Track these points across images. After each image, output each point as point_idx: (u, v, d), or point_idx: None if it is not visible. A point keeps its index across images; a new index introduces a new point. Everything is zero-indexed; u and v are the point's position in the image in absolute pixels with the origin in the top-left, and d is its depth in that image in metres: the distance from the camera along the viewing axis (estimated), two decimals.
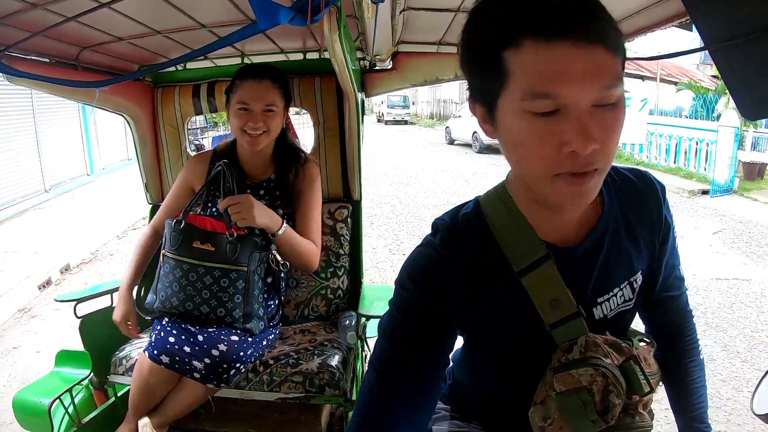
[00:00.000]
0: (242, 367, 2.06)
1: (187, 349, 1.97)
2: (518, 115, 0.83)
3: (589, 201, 0.90)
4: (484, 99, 0.90)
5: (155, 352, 1.98)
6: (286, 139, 2.39)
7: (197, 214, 2.16)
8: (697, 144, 13.19)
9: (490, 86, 0.86)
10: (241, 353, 2.04)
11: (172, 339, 1.99)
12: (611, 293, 1.09)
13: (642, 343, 1.14)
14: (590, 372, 0.98)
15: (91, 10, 1.66)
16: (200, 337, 2.00)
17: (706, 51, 1.02)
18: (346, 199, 2.76)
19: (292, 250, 2.21)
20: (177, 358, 1.96)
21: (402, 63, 2.73)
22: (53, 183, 11.58)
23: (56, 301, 2.37)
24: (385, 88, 2.81)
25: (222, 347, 1.99)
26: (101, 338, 2.28)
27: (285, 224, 2.16)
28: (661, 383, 1.18)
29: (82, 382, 2.28)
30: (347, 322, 2.36)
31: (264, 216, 2.09)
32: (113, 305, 2.38)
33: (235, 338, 2.04)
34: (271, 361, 2.18)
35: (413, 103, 39.08)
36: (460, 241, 1.01)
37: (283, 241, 2.16)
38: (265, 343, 2.20)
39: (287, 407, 2.26)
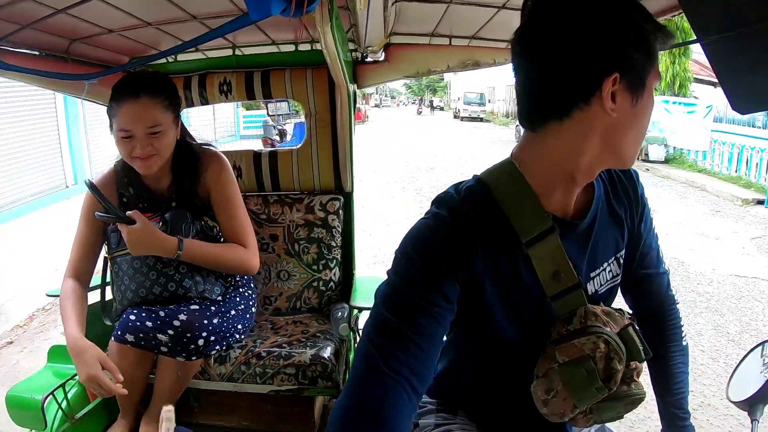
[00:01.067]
0: (212, 337, 2.05)
1: (149, 324, 1.97)
2: (650, 93, 0.97)
3: None
4: (637, 73, 0.94)
5: (119, 332, 1.99)
6: (183, 143, 2.18)
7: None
8: (758, 153, 12.63)
9: (644, 63, 0.94)
10: (205, 321, 2.04)
11: (133, 317, 1.99)
12: (601, 268, 1.16)
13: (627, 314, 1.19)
14: (593, 340, 1.02)
15: (81, 2, 1.65)
16: (162, 312, 2.00)
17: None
18: (337, 191, 2.76)
19: (208, 263, 2.12)
20: (141, 335, 1.97)
21: (394, 54, 2.72)
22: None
23: (47, 296, 2.34)
24: (376, 79, 2.80)
25: (182, 317, 2.00)
26: (93, 333, 2.26)
27: (182, 244, 2.00)
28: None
29: (75, 378, 2.27)
30: (339, 313, 2.37)
31: (153, 246, 1.97)
32: (105, 299, 2.37)
33: (195, 307, 2.05)
34: (264, 353, 2.18)
35: (489, 101, 39.23)
36: (468, 212, 1.02)
37: (191, 258, 2.06)
38: (233, 313, 2.19)
39: (280, 399, 2.27)
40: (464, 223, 1.01)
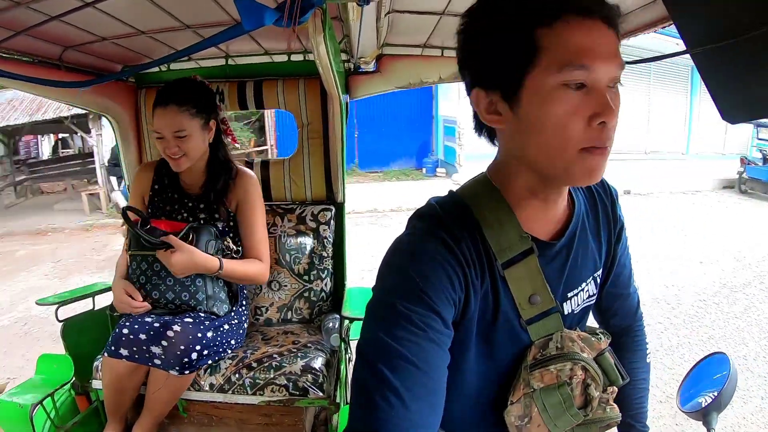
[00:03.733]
0: (205, 351, 2.08)
1: (143, 336, 2.02)
2: (553, 90, 0.85)
3: (600, 177, 0.92)
4: (503, 83, 0.90)
5: (112, 348, 2.03)
6: (218, 152, 2.36)
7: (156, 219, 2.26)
8: None
9: (515, 67, 0.87)
10: (199, 334, 2.07)
11: (126, 331, 2.04)
12: (579, 288, 1.11)
13: (604, 338, 1.16)
14: (569, 366, 0.99)
15: (75, 10, 1.65)
16: (156, 324, 2.06)
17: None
18: (329, 202, 2.76)
19: (235, 279, 2.29)
20: (135, 348, 2.01)
21: (386, 65, 2.74)
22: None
23: (37, 304, 2.33)
24: (369, 90, 2.81)
25: (176, 328, 2.04)
26: (83, 342, 2.25)
27: (222, 263, 2.18)
28: None
29: (64, 387, 2.25)
30: (330, 324, 2.37)
31: (198, 268, 2.13)
32: (95, 308, 2.36)
33: (189, 320, 2.10)
34: (254, 364, 2.17)
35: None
36: (455, 227, 0.95)
37: (226, 276, 2.23)
38: (227, 327, 2.24)
39: (271, 410, 2.25)
40: (449, 239, 0.93)
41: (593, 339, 1.08)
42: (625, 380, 1.06)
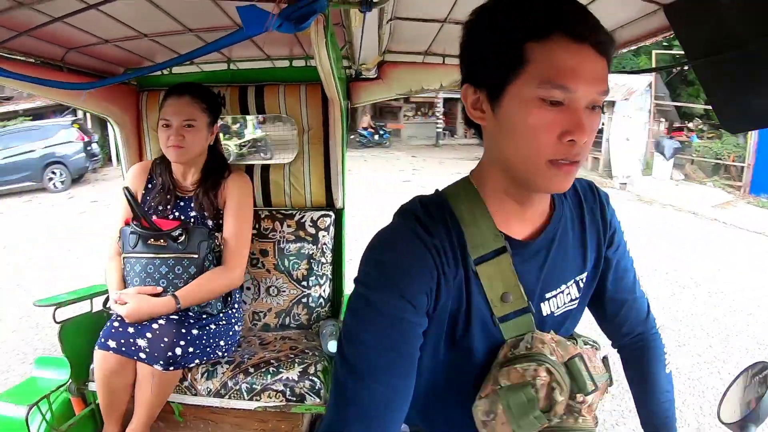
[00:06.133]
0: (190, 348, 2.11)
1: (130, 330, 2.08)
2: (530, 102, 0.90)
3: (567, 188, 0.96)
4: (489, 84, 0.95)
5: (102, 340, 2.10)
6: (216, 154, 2.47)
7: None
8: None
9: (502, 72, 0.92)
10: (183, 330, 2.11)
11: (116, 324, 2.12)
12: (559, 290, 1.13)
13: (587, 346, 1.18)
14: (533, 367, 1.00)
15: (79, 11, 1.64)
16: (144, 320, 2.11)
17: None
18: (329, 207, 2.76)
19: (203, 299, 2.26)
20: (122, 341, 2.06)
21: (388, 72, 2.74)
22: None
23: (35, 305, 2.33)
24: (370, 97, 2.82)
25: (161, 321, 2.11)
26: (80, 344, 2.25)
27: (177, 298, 2.16)
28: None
29: (60, 389, 2.25)
30: (328, 330, 2.36)
31: (153, 313, 2.13)
32: (93, 311, 2.36)
33: (174, 317, 2.15)
34: (251, 369, 2.16)
35: None
36: (431, 222, 1.01)
37: (188, 303, 2.21)
38: (213, 327, 2.25)
39: (267, 416, 2.24)
40: (429, 233, 0.99)
41: (568, 343, 1.09)
42: (595, 390, 1.04)
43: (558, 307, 1.14)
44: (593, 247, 1.18)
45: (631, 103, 15.78)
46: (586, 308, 1.26)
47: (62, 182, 14.76)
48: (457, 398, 1.13)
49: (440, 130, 24.89)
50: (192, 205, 2.36)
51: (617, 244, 1.22)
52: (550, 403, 1.01)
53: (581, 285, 1.17)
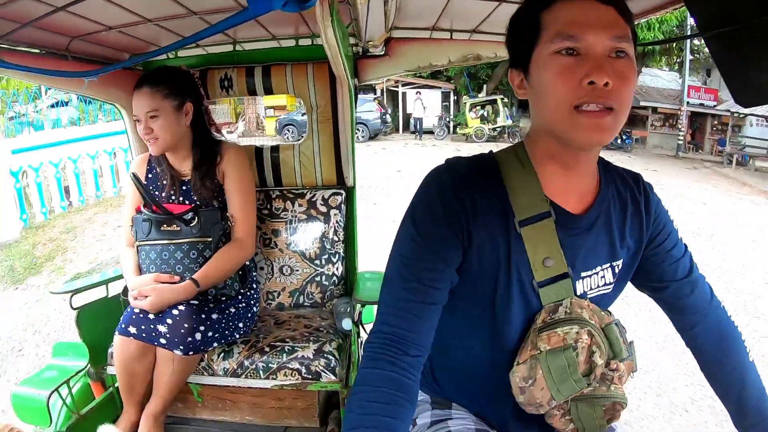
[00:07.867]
0: (209, 332, 2.12)
1: (151, 316, 2.09)
2: (548, 58, 0.99)
3: (605, 140, 0.98)
4: (523, 60, 1.05)
5: (123, 326, 2.11)
6: (202, 131, 2.42)
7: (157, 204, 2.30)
8: None
9: (527, 44, 1.03)
10: (203, 315, 2.12)
11: (137, 310, 2.10)
12: (594, 270, 1.14)
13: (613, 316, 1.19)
14: (576, 330, 1.03)
15: (81, 0, 1.64)
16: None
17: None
18: (339, 186, 2.76)
19: (219, 278, 2.26)
20: (143, 327, 2.07)
21: (395, 49, 2.72)
22: None
23: (51, 293, 2.36)
24: (378, 74, 2.80)
25: (181, 307, 2.10)
26: (97, 329, 2.28)
27: (196, 282, 2.16)
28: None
29: (80, 374, 2.28)
30: (342, 308, 2.37)
31: (176, 300, 2.12)
32: (109, 296, 2.38)
33: (194, 302, 2.15)
34: (267, 348, 2.19)
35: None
36: (472, 176, 1.08)
37: (207, 285, 2.21)
38: (233, 310, 2.27)
39: (283, 394, 2.28)
40: (467, 186, 1.06)
41: (603, 312, 1.12)
42: (629, 356, 1.09)
43: (592, 288, 1.15)
44: (634, 236, 1.18)
45: None
46: (657, 304, 1.29)
47: (363, 136, 22.29)
48: (492, 367, 1.16)
49: (681, 141, 23.54)
50: (193, 187, 2.35)
51: (665, 231, 1.22)
52: (590, 367, 1.04)
53: (616, 271, 1.18)
